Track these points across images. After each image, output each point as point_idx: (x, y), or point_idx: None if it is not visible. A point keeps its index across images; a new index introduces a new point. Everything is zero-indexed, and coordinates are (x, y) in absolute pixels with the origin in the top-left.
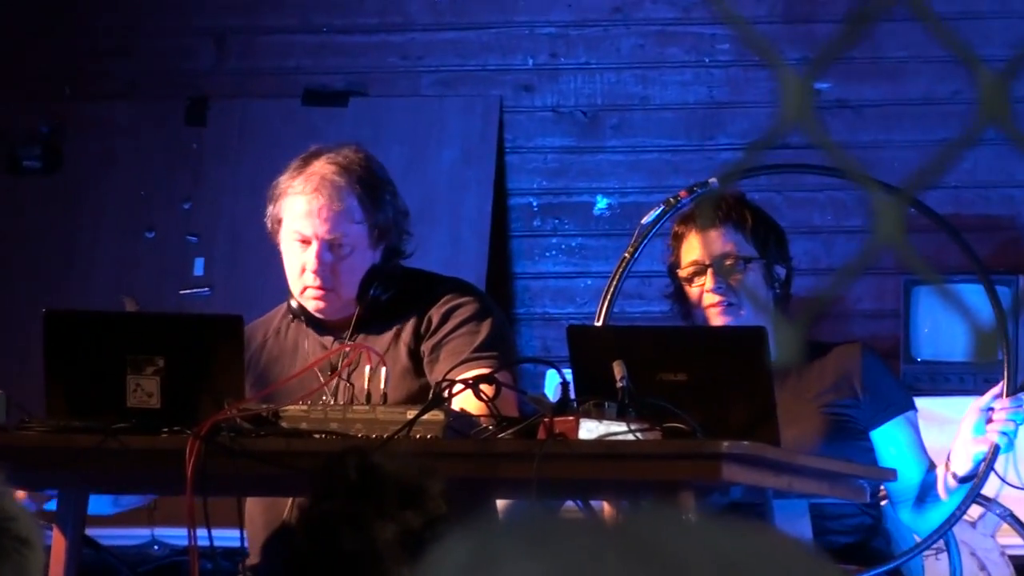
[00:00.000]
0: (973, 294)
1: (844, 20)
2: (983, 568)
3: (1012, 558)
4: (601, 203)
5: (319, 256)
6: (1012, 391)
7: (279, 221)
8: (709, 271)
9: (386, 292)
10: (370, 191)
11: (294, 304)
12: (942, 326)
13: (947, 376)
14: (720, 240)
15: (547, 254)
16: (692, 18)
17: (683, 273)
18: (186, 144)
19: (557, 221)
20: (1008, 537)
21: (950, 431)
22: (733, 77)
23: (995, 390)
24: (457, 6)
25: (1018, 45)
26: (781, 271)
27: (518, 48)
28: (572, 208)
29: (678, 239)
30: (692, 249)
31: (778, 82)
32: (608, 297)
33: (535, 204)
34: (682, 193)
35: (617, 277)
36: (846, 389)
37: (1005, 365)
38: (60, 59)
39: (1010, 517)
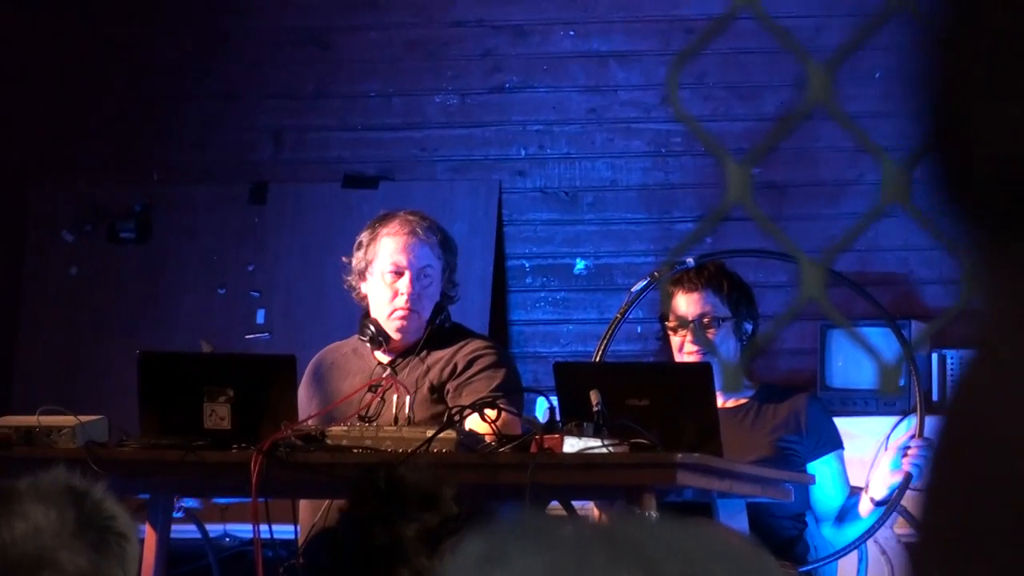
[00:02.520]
0: (875, 336)
1: (774, 119)
2: (884, 552)
3: (906, 545)
4: (579, 265)
5: (412, 282)
6: (922, 433)
7: (370, 262)
8: (691, 326)
9: (447, 323)
10: (444, 239)
11: (372, 329)
12: (850, 361)
13: (854, 401)
14: (701, 302)
15: (537, 305)
16: (652, 117)
17: (670, 324)
18: (249, 219)
19: (545, 279)
20: (903, 528)
21: (856, 444)
22: (684, 164)
23: (911, 431)
24: (465, 109)
25: (911, 138)
26: (749, 326)
27: (513, 142)
28: (557, 269)
29: (669, 297)
30: (679, 306)
31: (721, 168)
32: (604, 344)
33: (527, 266)
34: (665, 269)
35: (611, 331)
36: (793, 426)
37: (919, 412)
38: (150, 151)
39: (905, 512)
